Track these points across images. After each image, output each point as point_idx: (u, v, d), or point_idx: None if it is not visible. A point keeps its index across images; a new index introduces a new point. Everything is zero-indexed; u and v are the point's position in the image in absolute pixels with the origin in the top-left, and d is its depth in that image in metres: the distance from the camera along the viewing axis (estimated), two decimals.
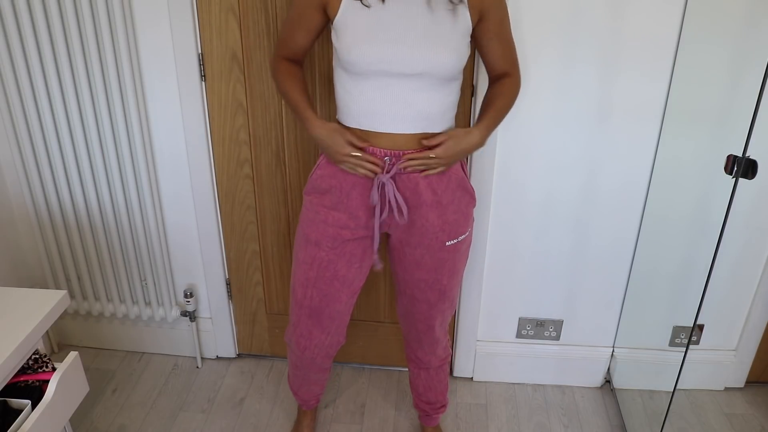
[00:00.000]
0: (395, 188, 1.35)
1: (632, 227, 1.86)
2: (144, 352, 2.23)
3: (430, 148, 1.32)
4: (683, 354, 1.50)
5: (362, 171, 1.32)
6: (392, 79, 1.26)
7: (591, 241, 1.88)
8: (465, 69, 1.42)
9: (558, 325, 2.03)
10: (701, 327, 2.00)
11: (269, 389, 2.09)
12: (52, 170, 1.85)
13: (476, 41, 1.37)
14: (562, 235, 1.88)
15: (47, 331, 2.15)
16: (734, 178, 1.30)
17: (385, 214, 1.38)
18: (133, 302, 2.08)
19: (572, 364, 2.09)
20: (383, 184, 1.35)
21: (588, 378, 2.12)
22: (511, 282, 1.97)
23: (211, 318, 2.14)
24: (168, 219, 1.97)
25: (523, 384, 2.14)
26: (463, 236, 1.46)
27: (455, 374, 2.14)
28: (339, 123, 1.37)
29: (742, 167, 1.29)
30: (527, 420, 1.99)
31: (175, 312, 2.09)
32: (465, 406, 2.04)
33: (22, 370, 1.24)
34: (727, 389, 2.10)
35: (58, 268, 2.01)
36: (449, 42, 1.26)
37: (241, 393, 2.07)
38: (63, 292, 1.28)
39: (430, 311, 1.55)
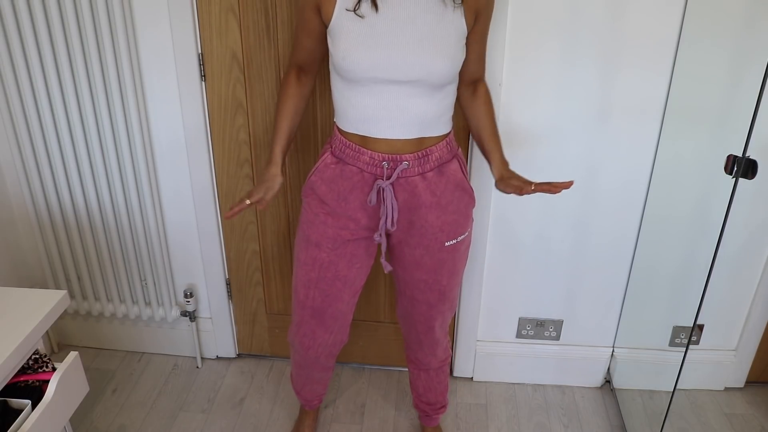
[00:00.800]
0: (393, 195, 1.36)
1: (632, 227, 1.86)
2: (144, 352, 2.23)
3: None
4: (683, 354, 1.50)
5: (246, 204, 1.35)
6: (388, 86, 1.26)
7: (591, 241, 1.88)
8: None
9: (558, 325, 2.03)
10: (701, 327, 2.00)
11: (269, 389, 2.09)
12: (52, 170, 1.85)
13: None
14: (562, 235, 1.88)
15: (47, 331, 2.15)
16: (734, 178, 1.30)
17: (385, 219, 1.39)
18: (133, 302, 2.08)
19: (572, 364, 2.09)
20: (383, 189, 1.35)
21: (588, 378, 2.12)
22: (511, 282, 1.97)
23: (211, 318, 2.14)
24: (168, 219, 1.97)
25: (523, 384, 2.14)
26: (462, 236, 1.46)
27: (455, 374, 2.14)
28: (338, 127, 1.38)
29: (742, 167, 1.29)
30: (527, 420, 1.99)
31: (175, 312, 2.09)
32: (465, 406, 2.04)
33: (22, 370, 1.24)
34: (727, 389, 2.10)
35: (58, 268, 2.01)
36: (444, 48, 1.26)
37: (241, 393, 2.07)
38: (63, 292, 1.28)
39: (429, 312, 1.55)
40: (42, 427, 1.16)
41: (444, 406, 1.82)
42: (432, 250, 1.44)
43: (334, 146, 1.39)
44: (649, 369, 1.92)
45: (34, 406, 1.18)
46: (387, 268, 1.48)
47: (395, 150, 1.33)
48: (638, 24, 1.57)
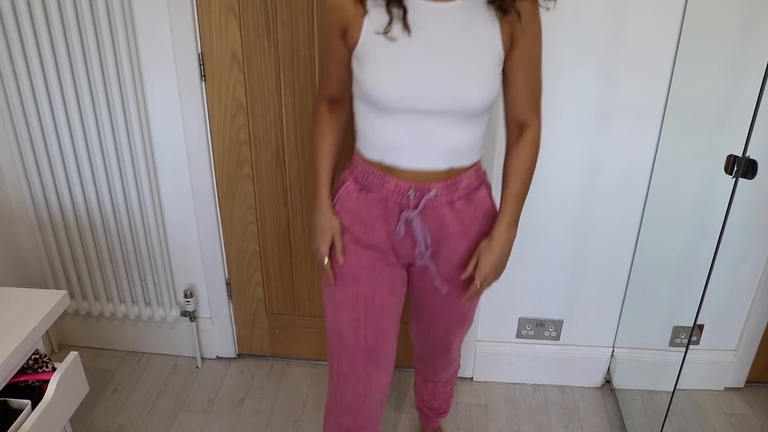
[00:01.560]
0: (422, 224, 1.26)
1: (632, 227, 1.85)
2: (144, 352, 2.23)
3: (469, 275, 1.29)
4: (683, 354, 1.50)
5: (325, 272, 1.31)
6: (418, 116, 1.15)
7: (591, 241, 1.88)
8: None
9: (558, 325, 2.03)
10: (701, 327, 2.00)
11: (269, 389, 2.09)
12: (52, 170, 1.85)
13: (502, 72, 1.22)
14: (562, 235, 1.88)
15: (47, 331, 2.15)
16: (734, 178, 1.30)
17: (420, 247, 1.29)
18: (133, 302, 2.08)
19: (572, 364, 2.09)
20: (410, 219, 1.25)
21: (588, 378, 2.12)
22: (511, 282, 1.97)
23: (211, 318, 2.14)
24: (168, 219, 1.97)
25: (523, 384, 2.14)
26: None
27: None
28: (359, 153, 1.27)
29: (742, 167, 1.29)
30: (527, 420, 1.99)
31: (175, 312, 2.09)
32: (465, 406, 2.04)
33: (22, 370, 1.24)
34: (727, 389, 2.10)
35: (58, 268, 2.01)
36: (480, 75, 1.14)
37: (241, 393, 2.07)
38: (63, 292, 1.28)
39: (449, 336, 1.48)
40: (42, 427, 1.16)
41: (446, 412, 1.81)
42: (456, 280, 1.35)
43: (356, 172, 1.27)
44: (649, 369, 1.92)
45: (34, 406, 1.18)
46: (443, 289, 1.37)
47: (422, 179, 1.22)
48: (638, 24, 1.57)
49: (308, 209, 1.91)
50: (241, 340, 2.20)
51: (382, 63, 1.13)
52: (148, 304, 2.07)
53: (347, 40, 1.16)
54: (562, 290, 1.97)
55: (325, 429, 1.44)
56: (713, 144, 1.54)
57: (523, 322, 2.04)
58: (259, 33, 1.68)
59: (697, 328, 2.00)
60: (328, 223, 1.28)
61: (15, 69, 1.71)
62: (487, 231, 1.31)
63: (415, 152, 1.20)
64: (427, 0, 1.12)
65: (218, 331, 2.16)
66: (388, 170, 1.23)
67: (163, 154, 1.86)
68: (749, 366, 2.06)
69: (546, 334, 2.05)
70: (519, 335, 2.06)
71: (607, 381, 2.13)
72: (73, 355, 1.28)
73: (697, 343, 2.02)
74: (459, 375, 2.13)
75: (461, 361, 2.10)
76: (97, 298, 2.08)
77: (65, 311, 2.13)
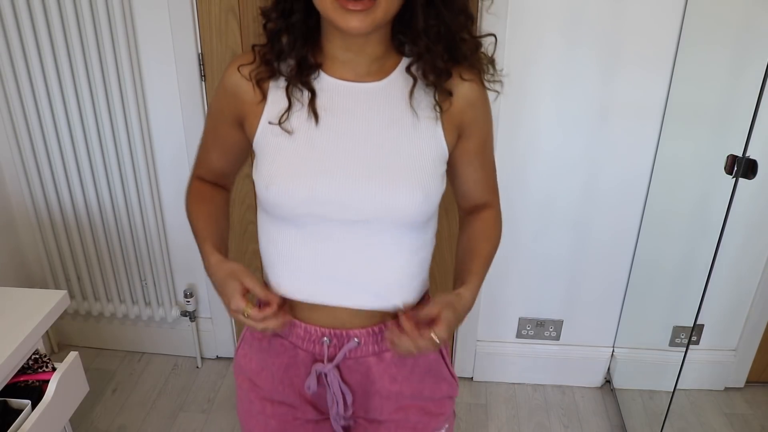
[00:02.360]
0: (340, 380, 0.97)
1: (632, 227, 1.85)
2: (144, 352, 2.23)
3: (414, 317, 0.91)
4: (683, 354, 1.50)
5: (260, 327, 0.90)
6: (330, 228, 0.88)
7: (591, 241, 1.88)
8: None
9: (558, 325, 2.03)
10: (701, 327, 2.00)
11: None
12: (52, 170, 1.85)
13: (448, 165, 0.94)
14: (562, 235, 1.88)
15: (47, 331, 2.15)
16: (734, 178, 1.30)
17: (337, 408, 1.00)
18: (133, 302, 2.08)
19: (572, 364, 2.08)
20: (324, 375, 0.97)
21: (588, 378, 2.12)
22: (511, 282, 1.97)
23: (211, 318, 2.14)
24: (168, 219, 1.97)
25: (523, 384, 2.14)
26: None
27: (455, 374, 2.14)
28: (265, 282, 1.00)
29: (742, 167, 1.29)
30: (527, 420, 1.99)
31: (175, 312, 2.09)
32: (465, 406, 2.04)
33: (22, 370, 1.24)
34: (727, 389, 2.10)
35: (58, 268, 2.01)
36: (412, 175, 0.86)
37: None
38: (63, 292, 1.28)
39: None
40: (42, 427, 1.16)
41: None
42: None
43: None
44: (649, 369, 1.92)
45: (34, 406, 1.18)
46: None
47: (340, 323, 0.94)
48: (638, 24, 1.57)
49: None
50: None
51: (282, 156, 0.88)
52: (148, 304, 2.07)
53: (245, 129, 0.95)
54: (562, 290, 1.97)
55: None
56: (713, 144, 1.54)
57: (523, 322, 2.04)
58: (259, 33, 1.67)
59: (697, 328, 2.01)
60: (225, 271, 0.93)
61: (15, 69, 1.70)
62: (431, 390, 1.02)
63: (329, 283, 0.92)
64: (344, 80, 0.88)
65: (218, 331, 2.16)
66: (295, 308, 0.95)
67: (163, 154, 1.86)
68: (749, 366, 2.06)
69: (546, 334, 2.05)
70: (519, 335, 2.06)
71: (607, 381, 2.13)
72: (73, 355, 1.28)
73: (697, 343, 2.02)
74: (459, 375, 2.13)
75: (461, 362, 2.11)
76: (97, 298, 2.08)
77: (65, 311, 2.12)
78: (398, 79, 0.89)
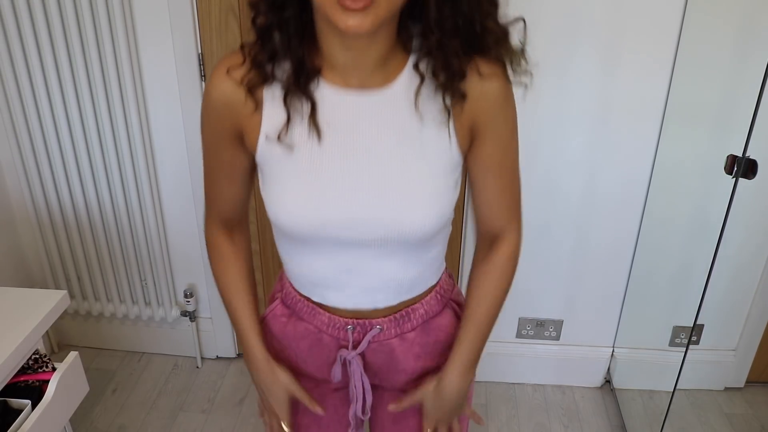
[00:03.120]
0: (362, 371, 0.98)
1: (632, 227, 1.85)
2: (144, 352, 2.23)
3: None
4: (683, 354, 1.50)
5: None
6: (343, 248, 0.86)
7: (591, 241, 1.88)
8: None
9: (558, 325, 2.03)
10: (701, 327, 2.00)
11: None
12: (52, 170, 1.85)
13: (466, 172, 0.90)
14: (562, 235, 1.88)
15: (47, 331, 2.15)
16: (734, 178, 1.30)
17: (355, 408, 1.02)
18: (133, 302, 2.08)
19: (572, 364, 2.08)
20: (348, 362, 0.98)
21: (588, 378, 2.12)
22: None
23: (211, 318, 2.14)
24: (168, 219, 1.97)
25: (523, 384, 2.14)
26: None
27: None
28: (287, 278, 1.00)
29: (742, 167, 1.29)
30: (527, 420, 1.99)
31: (175, 312, 2.09)
32: None
33: (22, 370, 1.24)
34: (727, 389, 2.10)
35: (58, 268, 2.01)
36: (423, 191, 0.82)
37: (241, 393, 2.07)
38: (63, 292, 1.28)
39: None
40: (42, 427, 1.16)
41: None
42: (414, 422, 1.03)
43: (284, 292, 1.01)
44: (649, 369, 1.92)
45: (34, 406, 1.18)
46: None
47: (363, 315, 0.95)
48: (638, 24, 1.57)
49: None
50: None
51: (286, 178, 0.82)
52: (148, 304, 2.07)
53: (246, 143, 0.85)
54: (562, 290, 1.97)
55: None
56: (713, 144, 1.54)
57: (523, 322, 2.04)
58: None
59: (697, 328, 2.01)
60: (275, 381, 0.99)
61: (15, 69, 1.70)
62: None
63: (349, 289, 0.92)
64: (347, 88, 0.80)
65: (218, 331, 2.16)
66: (319, 305, 0.96)
67: (163, 154, 1.86)
68: (749, 366, 2.06)
69: (546, 334, 2.05)
70: (519, 335, 2.06)
71: (607, 381, 2.13)
72: (73, 355, 1.28)
73: (697, 343, 2.02)
74: None
75: None
76: (97, 298, 2.08)
77: (65, 311, 2.12)
78: (406, 82, 0.80)
